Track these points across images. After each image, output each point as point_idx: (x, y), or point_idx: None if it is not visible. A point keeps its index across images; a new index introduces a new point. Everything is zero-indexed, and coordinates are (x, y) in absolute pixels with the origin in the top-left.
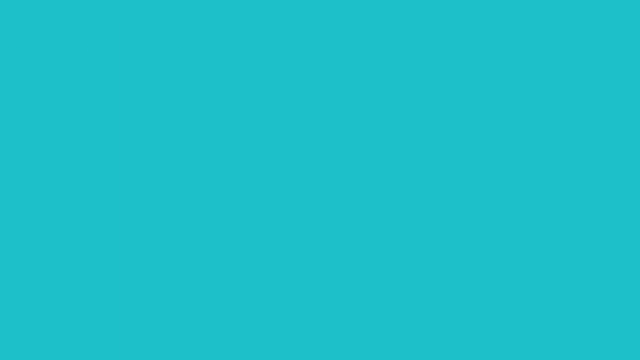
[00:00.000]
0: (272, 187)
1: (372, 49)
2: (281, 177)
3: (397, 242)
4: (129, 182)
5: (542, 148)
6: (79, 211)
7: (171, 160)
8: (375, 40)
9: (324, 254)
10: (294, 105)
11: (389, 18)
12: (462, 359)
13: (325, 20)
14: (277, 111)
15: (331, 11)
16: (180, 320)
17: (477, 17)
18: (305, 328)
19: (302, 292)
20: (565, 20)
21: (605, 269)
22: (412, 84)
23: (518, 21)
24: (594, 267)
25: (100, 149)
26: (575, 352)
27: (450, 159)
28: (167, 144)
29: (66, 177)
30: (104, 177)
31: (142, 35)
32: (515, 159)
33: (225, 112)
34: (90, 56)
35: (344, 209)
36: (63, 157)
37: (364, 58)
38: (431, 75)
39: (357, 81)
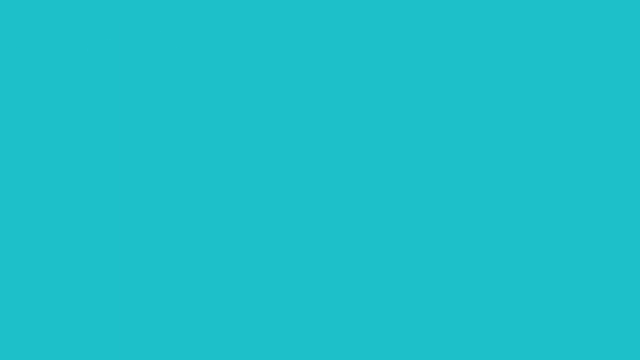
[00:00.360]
0: (272, 187)
1: (372, 49)
2: (281, 177)
3: (397, 242)
4: (129, 181)
5: (542, 148)
6: (79, 211)
7: (171, 159)
8: (376, 41)
9: (324, 254)
10: (294, 106)
11: (389, 18)
12: (462, 359)
13: (325, 21)
14: (277, 111)
15: (331, 11)
16: (180, 320)
17: (477, 17)
18: (306, 328)
19: (302, 292)
20: (565, 21)
21: (605, 269)
22: (412, 84)
23: (518, 21)
24: (594, 267)
25: (100, 148)
26: (575, 352)
27: (451, 159)
28: (167, 144)
29: (66, 176)
30: (104, 177)
31: (142, 35)
32: (515, 159)
33: (226, 112)
34: (91, 56)
35: (344, 209)
36: (63, 157)
37: (364, 58)
38: (431, 76)
39: (357, 81)
